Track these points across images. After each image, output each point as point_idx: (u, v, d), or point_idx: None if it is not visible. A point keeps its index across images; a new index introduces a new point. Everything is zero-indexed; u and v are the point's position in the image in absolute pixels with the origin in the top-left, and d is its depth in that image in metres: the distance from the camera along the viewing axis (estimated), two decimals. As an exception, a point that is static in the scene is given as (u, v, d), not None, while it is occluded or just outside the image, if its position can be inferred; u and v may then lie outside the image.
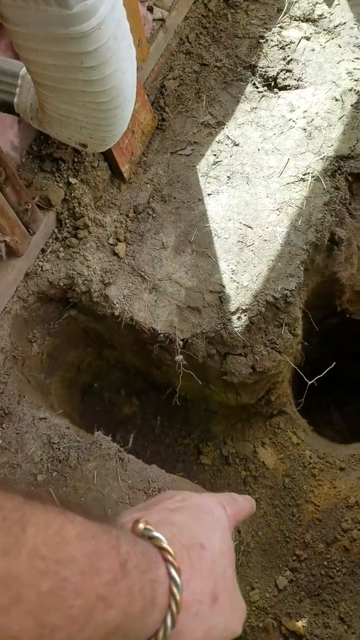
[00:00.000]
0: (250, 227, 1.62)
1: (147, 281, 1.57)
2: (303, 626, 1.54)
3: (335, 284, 1.88)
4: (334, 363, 1.53)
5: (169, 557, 0.43)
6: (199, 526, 0.49)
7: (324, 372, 1.48)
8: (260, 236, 1.60)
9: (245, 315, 1.49)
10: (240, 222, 1.63)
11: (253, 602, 1.60)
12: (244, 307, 1.49)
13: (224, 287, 1.54)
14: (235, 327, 1.48)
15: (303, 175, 1.64)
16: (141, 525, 0.44)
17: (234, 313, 1.49)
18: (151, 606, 0.41)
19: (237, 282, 1.54)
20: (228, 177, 1.70)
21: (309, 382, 1.49)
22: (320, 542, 1.66)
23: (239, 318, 1.49)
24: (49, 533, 0.36)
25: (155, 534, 0.44)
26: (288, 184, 1.65)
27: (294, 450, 1.84)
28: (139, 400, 2.06)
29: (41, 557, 0.35)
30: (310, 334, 2.00)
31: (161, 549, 0.44)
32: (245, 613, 0.52)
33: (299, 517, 1.72)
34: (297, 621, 1.55)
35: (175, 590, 0.43)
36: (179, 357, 1.49)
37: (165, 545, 0.44)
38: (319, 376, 1.52)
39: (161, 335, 1.52)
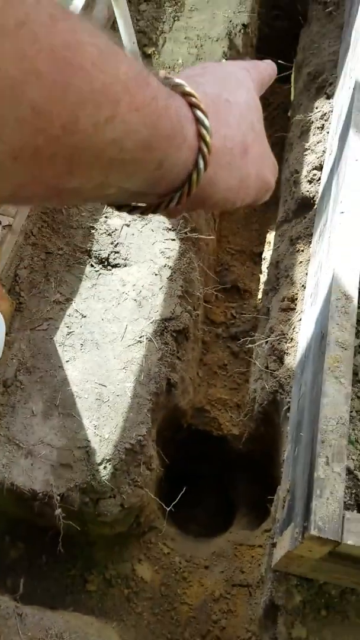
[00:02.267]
0: (104, 385, 2.00)
1: (22, 448, 1.85)
2: None
3: (178, 411, 2.33)
4: (185, 488, 1.93)
5: (194, 101, 0.40)
6: (223, 85, 0.47)
7: (177, 499, 1.87)
8: (113, 392, 1.99)
9: (109, 464, 1.84)
10: (95, 382, 2.01)
11: None
12: (107, 457, 1.85)
13: (89, 441, 1.88)
14: (103, 475, 1.82)
15: (139, 337, 2.10)
16: (162, 73, 0.41)
17: (100, 464, 1.83)
18: (181, 137, 0.39)
19: (100, 436, 1.89)
20: (81, 344, 2.09)
21: (167, 508, 1.87)
22: (197, 637, 1.99)
23: (104, 467, 1.83)
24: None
25: (179, 81, 0.40)
26: (129, 346, 2.09)
27: (166, 560, 2.17)
28: (24, 543, 2.25)
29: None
30: (168, 446, 2.41)
31: (185, 95, 0.40)
32: (277, 167, 0.52)
33: (177, 619, 2.03)
34: None
35: (204, 131, 0.40)
36: (58, 511, 1.77)
37: (189, 89, 0.40)
38: (174, 502, 1.90)
39: (40, 494, 1.79)
